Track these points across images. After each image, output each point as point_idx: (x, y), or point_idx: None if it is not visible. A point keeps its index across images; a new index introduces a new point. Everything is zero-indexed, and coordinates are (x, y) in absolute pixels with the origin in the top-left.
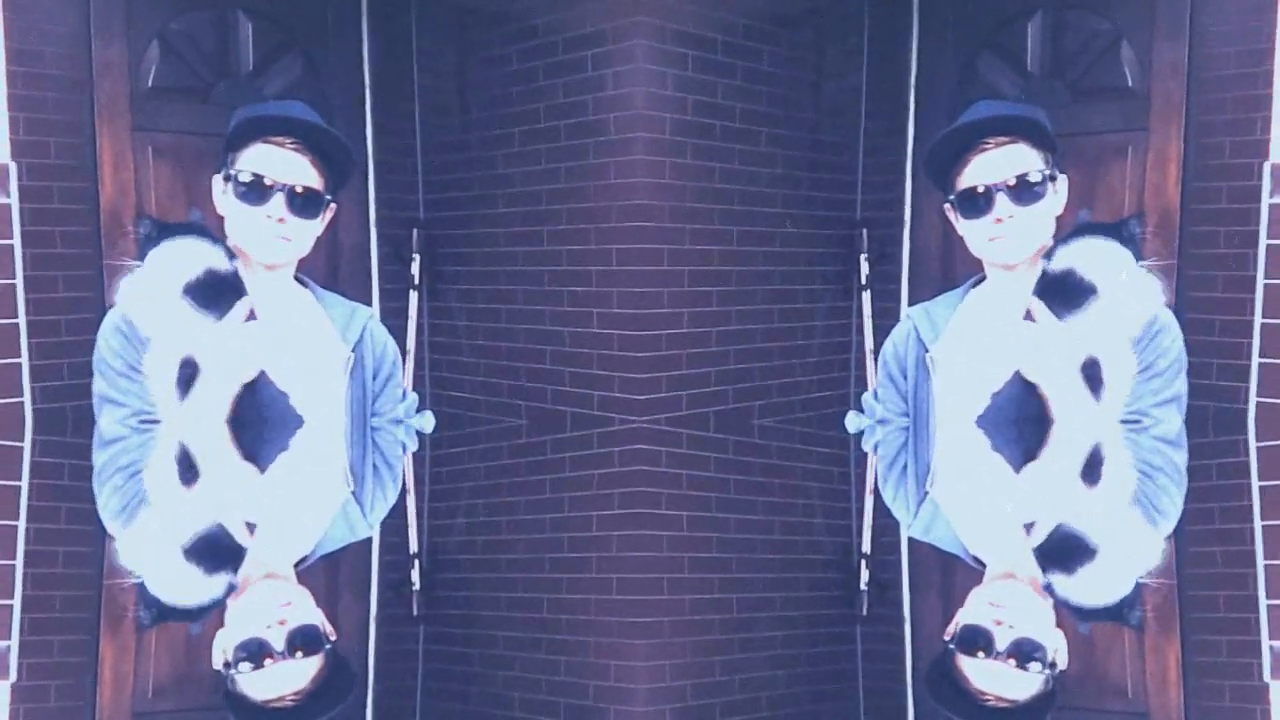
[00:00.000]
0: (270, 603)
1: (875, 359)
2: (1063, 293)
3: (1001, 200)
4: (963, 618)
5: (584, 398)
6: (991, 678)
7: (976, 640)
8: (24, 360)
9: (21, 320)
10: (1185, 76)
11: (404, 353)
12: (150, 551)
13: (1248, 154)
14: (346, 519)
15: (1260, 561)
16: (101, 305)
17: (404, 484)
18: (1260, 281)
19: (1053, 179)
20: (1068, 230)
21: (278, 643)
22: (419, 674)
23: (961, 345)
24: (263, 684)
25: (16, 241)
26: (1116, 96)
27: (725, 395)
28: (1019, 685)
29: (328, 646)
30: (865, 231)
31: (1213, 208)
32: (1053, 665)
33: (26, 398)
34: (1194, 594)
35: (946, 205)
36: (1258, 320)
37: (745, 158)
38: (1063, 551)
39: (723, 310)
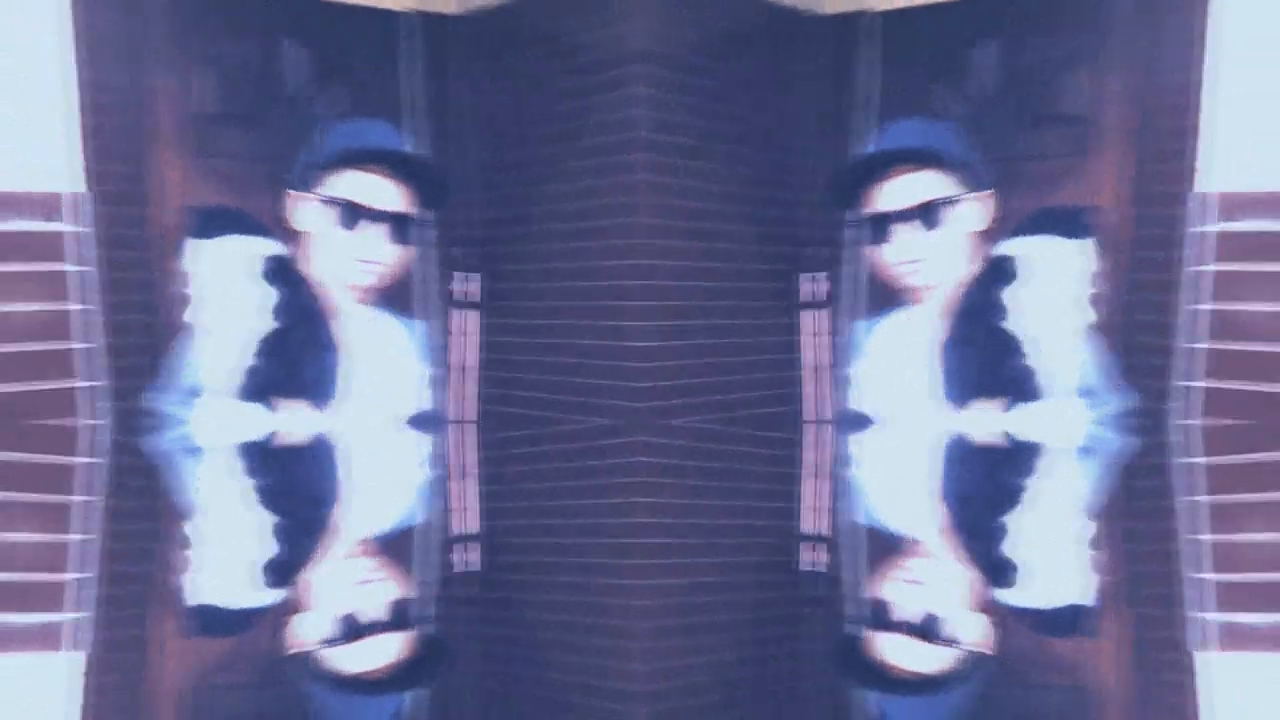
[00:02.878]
0: (364, 577)
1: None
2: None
3: (904, 228)
4: (878, 594)
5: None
6: (897, 650)
7: (882, 615)
8: (107, 382)
9: (99, 341)
10: (1133, 104)
11: (463, 370)
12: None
13: (1185, 181)
14: (420, 502)
15: (1204, 536)
16: (160, 326)
17: (463, 469)
18: (1203, 304)
19: (957, 201)
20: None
21: (377, 615)
22: (472, 653)
23: (879, 362)
24: (361, 657)
25: (94, 267)
26: (1067, 122)
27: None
28: (923, 658)
29: (421, 622)
30: (809, 250)
31: (1159, 233)
32: (965, 643)
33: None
34: (1136, 569)
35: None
36: (1203, 345)
37: (702, 174)
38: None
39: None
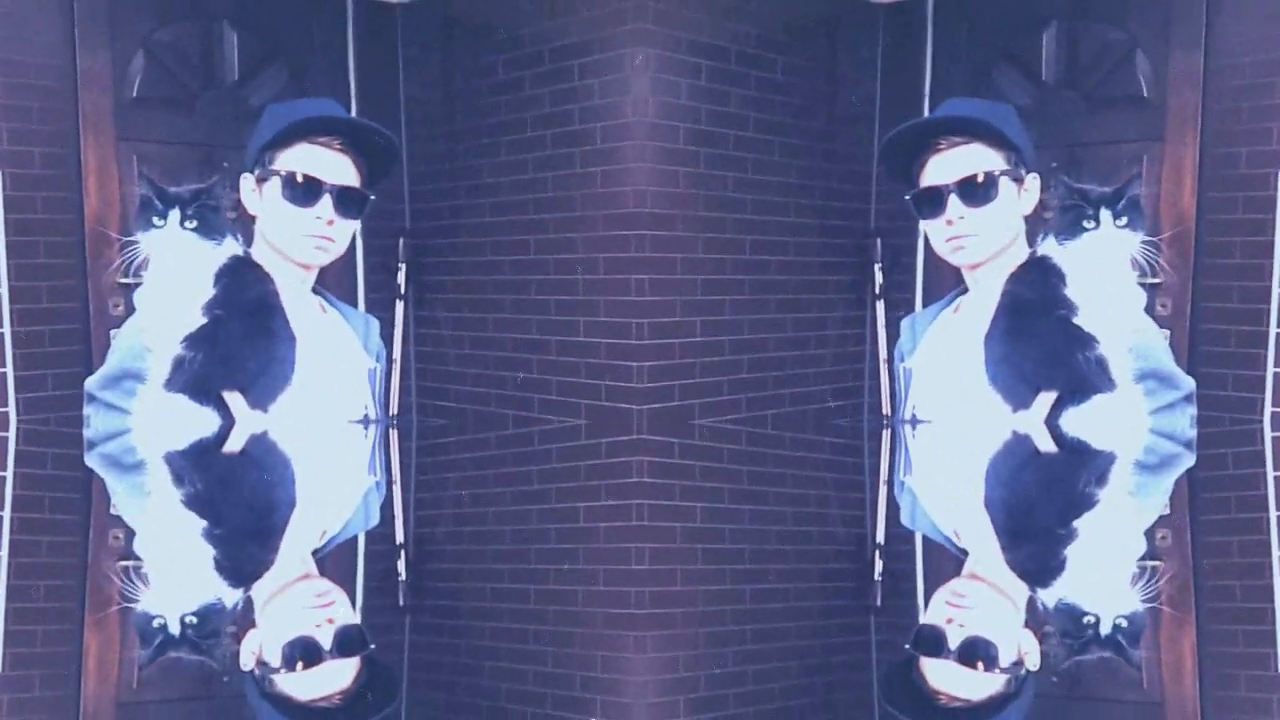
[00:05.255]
0: (313, 601)
1: (889, 369)
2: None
3: (952, 201)
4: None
5: (572, 407)
6: (946, 677)
7: (931, 640)
8: (9, 370)
9: (6, 329)
10: (1201, 86)
11: (390, 362)
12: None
13: (1263, 163)
14: (366, 508)
15: (1276, 551)
16: (86, 316)
17: (390, 475)
18: (1275, 291)
19: (1017, 180)
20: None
21: (326, 642)
22: (405, 665)
23: (935, 358)
24: (310, 684)
25: (1, 250)
26: (1131, 107)
27: (739, 404)
28: (972, 685)
29: (371, 648)
30: (879, 241)
31: (1228, 218)
32: (1016, 664)
33: (11, 409)
34: (1210, 583)
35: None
36: (1273, 330)
37: (759, 167)
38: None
39: (735, 319)
